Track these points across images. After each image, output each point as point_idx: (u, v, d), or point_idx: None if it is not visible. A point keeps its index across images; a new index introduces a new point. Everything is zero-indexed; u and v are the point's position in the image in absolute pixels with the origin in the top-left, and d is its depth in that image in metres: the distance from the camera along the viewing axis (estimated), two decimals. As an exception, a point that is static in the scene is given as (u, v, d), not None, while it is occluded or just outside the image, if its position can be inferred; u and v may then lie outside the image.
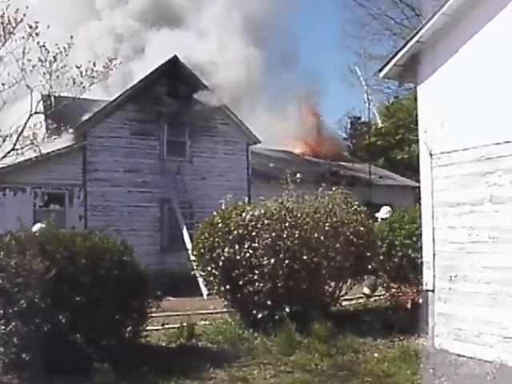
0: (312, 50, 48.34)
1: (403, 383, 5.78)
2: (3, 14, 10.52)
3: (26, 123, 11.52)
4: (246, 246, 8.08)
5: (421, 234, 7.15)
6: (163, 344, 7.53)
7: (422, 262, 7.05)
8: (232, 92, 18.28)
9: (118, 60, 12.13)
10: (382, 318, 8.18)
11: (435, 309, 6.74)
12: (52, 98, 11.66)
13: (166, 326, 8.14)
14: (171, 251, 15.83)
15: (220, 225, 8.44)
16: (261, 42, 22.50)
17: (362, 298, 10.68)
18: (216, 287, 8.81)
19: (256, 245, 8.03)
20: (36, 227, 7.51)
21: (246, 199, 10.87)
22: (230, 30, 20.67)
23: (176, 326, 8.02)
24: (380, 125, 30.70)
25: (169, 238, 16.56)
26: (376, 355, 6.84)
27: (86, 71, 11.08)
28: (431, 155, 6.82)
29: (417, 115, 7.28)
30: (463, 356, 6.25)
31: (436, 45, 6.77)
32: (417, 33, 6.91)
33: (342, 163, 23.72)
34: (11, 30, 10.68)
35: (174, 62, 16.84)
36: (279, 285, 7.89)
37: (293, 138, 25.53)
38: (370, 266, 8.79)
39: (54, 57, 10.82)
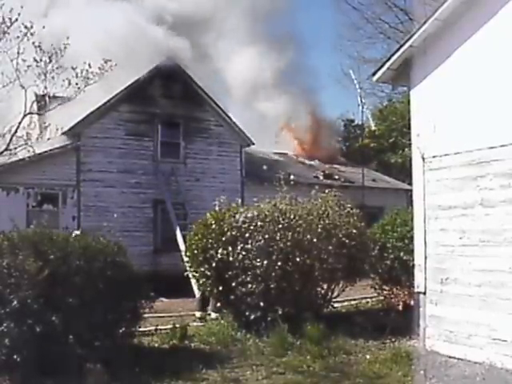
0: (306, 52, 48.48)
1: (394, 384, 5.83)
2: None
3: (19, 123, 11.48)
4: (239, 248, 8.10)
5: (413, 237, 7.21)
6: (156, 345, 7.53)
7: (413, 265, 7.10)
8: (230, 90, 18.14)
9: (113, 62, 12.14)
10: (373, 319, 8.22)
11: (426, 311, 6.79)
12: (46, 99, 11.63)
13: (159, 327, 8.14)
14: (164, 252, 15.80)
15: (213, 226, 8.47)
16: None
17: (354, 299, 10.72)
18: (209, 288, 8.83)
19: (249, 246, 8.06)
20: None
21: (240, 201, 10.89)
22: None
23: (169, 326, 8.03)
24: (373, 128, 30.78)
25: (162, 239, 16.53)
26: (368, 357, 6.87)
27: (82, 72, 11.07)
28: (423, 159, 6.88)
29: (410, 119, 7.34)
30: (454, 357, 6.30)
31: (428, 50, 6.82)
32: (410, 37, 6.98)
33: (336, 166, 23.78)
34: (5, 29, 10.65)
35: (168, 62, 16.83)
36: (272, 286, 7.92)
37: (289, 139, 25.56)
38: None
39: (50, 57, 10.80)
